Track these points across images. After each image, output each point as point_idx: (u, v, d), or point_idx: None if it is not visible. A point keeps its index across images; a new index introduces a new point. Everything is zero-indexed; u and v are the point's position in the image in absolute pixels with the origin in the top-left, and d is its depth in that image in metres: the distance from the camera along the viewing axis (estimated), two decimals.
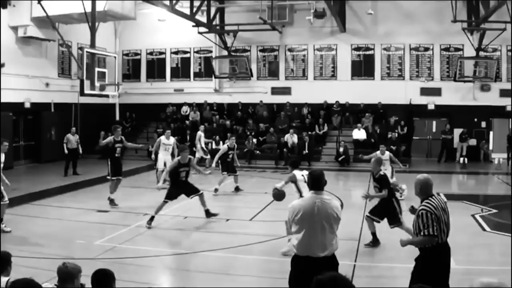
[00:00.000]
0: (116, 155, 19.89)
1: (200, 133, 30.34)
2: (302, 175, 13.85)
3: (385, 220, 13.74)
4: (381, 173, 14.29)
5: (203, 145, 30.04)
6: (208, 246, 13.95)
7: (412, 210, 8.62)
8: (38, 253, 12.83)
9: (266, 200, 19.50)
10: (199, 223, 16.90)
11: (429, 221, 7.78)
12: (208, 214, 17.17)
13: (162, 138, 23.92)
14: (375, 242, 14.02)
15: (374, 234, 14.03)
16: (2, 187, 15.67)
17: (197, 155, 29.16)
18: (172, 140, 24.01)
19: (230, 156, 22.45)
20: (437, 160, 33.44)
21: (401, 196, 19.22)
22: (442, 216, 7.94)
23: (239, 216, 17.19)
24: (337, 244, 7.82)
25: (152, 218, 16.32)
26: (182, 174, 16.72)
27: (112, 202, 19.34)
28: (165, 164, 23.38)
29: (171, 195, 16.63)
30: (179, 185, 16.65)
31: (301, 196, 13.02)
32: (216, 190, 21.73)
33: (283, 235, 13.61)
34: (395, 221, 13.67)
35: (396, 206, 13.82)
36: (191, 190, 16.93)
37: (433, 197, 8.10)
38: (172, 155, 23.61)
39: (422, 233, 7.82)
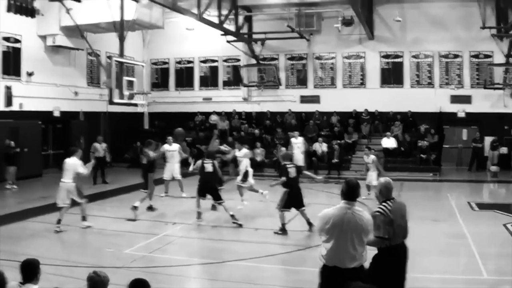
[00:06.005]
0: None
1: (294, 140, 30.36)
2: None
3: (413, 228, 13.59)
4: (282, 163, 16.86)
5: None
6: (236, 256, 13.87)
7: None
8: (67, 261, 12.82)
9: (295, 210, 19.41)
10: (227, 232, 16.84)
11: (380, 224, 8.05)
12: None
13: (166, 145, 22.92)
14: (284, 230, 16.28)
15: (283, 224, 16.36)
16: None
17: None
18: (176, 146, 23.61)
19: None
20: (468, 168, 32.96)
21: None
22: (398, 219, 8.20)
23: (267, 225, 17.05)
24: (366, 255, 7.75)
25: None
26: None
27: (135, 208, 19.21)
28: (173, 176, 23.16)
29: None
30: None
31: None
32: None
33: (311, 245, 13.54)
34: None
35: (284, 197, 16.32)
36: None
37: (392, 200, 8.44)
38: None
39: (374, 235, 8.02)
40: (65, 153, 31.21)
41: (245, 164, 21.12)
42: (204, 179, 18.23)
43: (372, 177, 21.91)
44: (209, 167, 18.18)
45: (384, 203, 8.32)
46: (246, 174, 20.96)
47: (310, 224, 16.19)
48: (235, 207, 19.16)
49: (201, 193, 18.18)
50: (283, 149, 21.00)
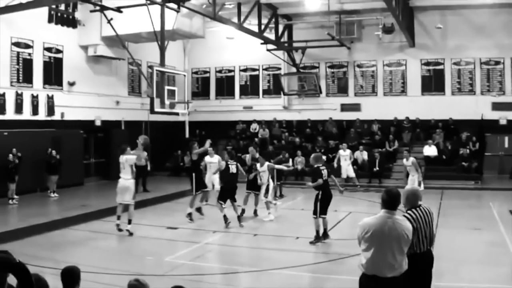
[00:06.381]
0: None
1: (342, 152, 30.10)
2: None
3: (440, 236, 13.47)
4: (315, 166, 16.32)
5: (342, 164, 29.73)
6: (276, 264, 13.80)
7: None
8: (108, 268, 12.87)
9: (337, 218, 19.35)
10: (269, 240, 16.82)
11: None
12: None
13: (207, 157, 22.78)
14: (319, 238, 16.10)
15: (318, 231, 16.10)
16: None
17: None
18: (216, 157, 22.83)
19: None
20: (509, 176, 32.37)
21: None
22: (422, 227, 8.22)
23: (309, 234, 16.96)
24: (406, 265, 7.63)
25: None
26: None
27: (190, 215, 19.59)
28: (213, 185, 23.23)
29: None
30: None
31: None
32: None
33: (352, 253, 13.46)
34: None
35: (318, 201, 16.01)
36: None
37: (418, 208, 8.40)
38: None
39: None
40: (106, 161, 31.75)
41: (266, 178, 21.14)
42: (228, 179, 19.02)
43: (414, 183, 21.80)
44: (233, 168, 19.11)
45: (409, 211, 8.30)
46: (268, 188, 21.01)
47: (326, 234, 16.20)
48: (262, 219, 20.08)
49: (223, 198, 18.83)
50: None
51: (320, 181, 15.84)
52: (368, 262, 7.48)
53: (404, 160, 23.00)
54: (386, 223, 7.47)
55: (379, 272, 7.41)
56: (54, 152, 26.02)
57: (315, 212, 15.94)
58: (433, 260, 8.55)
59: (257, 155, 21.76)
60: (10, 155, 23.71)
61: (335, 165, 29.49)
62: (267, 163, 21.40)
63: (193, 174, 19.87)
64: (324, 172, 16.13)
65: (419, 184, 21.81)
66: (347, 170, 28.95)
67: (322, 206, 15.93)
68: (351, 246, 14.84)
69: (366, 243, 7.53)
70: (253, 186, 21.02)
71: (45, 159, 25.82)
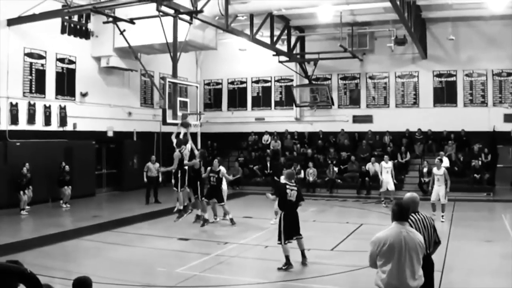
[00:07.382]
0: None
1: (384, 164, 29.26)
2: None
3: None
4: (283, 182, 15.49)
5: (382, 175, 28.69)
6: (289, 276, 13.80)
7: None
8: (119, 279, 12.85)
9: (348, 229, 19.31)
10: (280, 252, 16.77)
11: None
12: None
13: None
14: (289, 264, 14.50)
15: (287, 256, 14.58)
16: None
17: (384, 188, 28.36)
18: (222, 169, 22.82)
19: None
20: None
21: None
22: (420, 230, 8.37)
23: (320, 245, 16.90)
24: (422, 277, 7.61)
25: None
26: None
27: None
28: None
29: None
30: None
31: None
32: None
33: (366, 265, 13.43)
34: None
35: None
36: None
37: (416, 213, 8.70)
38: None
39: None
40: (118, 172, 31.85)
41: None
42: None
43: (441, 193, 21.65)
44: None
45: (409, 216, 8.37)
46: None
47: (304, 256, 15.12)
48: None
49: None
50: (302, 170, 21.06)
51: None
52: (388, 276, 7.45)
53: (435, 168, 22.65)
54: (401, 233, 7.51)
55: (401, 285, 7.41)
56: (67, 167, 26.12)
57: (279, 238, 14.67)
58: (433, 266, 8.71)
59: (218, 168, 21.78)
60: (24, 169, 23.91)
61: (380, 178, 28.56)
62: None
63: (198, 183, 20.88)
64: (291, 192, 14.70)
65: (445, 196, 21.80)
66: (388, 183, 28.12)
67: (286, 230, 14.59)
68: (363, 257, 14.87)
69: (383, 258, 7.52)
70: (213, 195, 21.45)
71: (57, 172, 25.93)
